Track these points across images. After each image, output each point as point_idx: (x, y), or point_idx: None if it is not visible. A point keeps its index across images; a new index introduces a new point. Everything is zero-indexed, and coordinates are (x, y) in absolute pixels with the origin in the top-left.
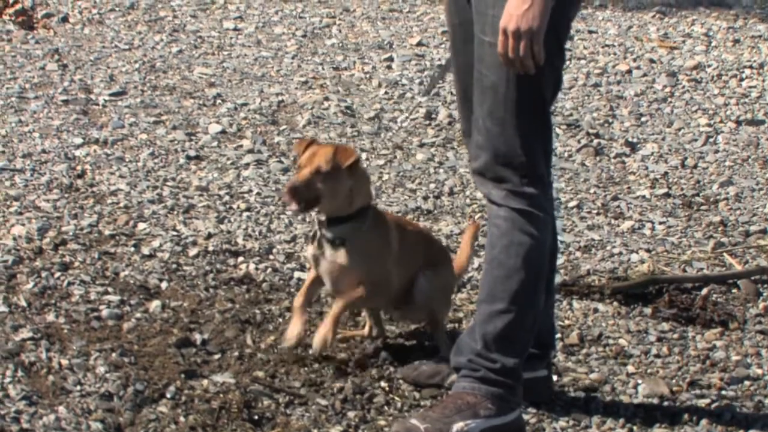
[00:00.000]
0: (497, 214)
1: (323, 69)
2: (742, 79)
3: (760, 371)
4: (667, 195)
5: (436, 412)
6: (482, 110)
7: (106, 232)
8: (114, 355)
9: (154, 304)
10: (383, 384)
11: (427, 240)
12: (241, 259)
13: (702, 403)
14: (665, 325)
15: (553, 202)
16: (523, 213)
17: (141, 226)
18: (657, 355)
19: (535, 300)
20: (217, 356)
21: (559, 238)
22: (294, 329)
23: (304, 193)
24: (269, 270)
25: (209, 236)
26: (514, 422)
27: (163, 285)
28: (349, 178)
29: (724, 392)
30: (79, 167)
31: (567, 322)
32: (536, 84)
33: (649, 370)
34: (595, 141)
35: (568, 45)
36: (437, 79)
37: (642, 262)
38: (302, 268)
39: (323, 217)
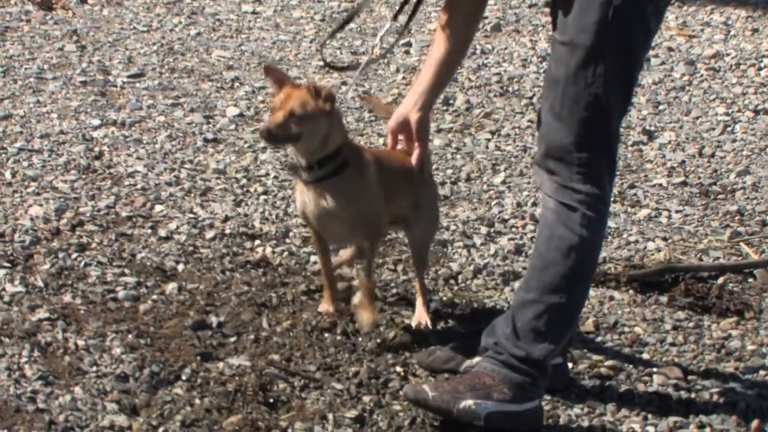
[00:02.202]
0: (546, 205)
1: (341, 53)
2: (760, 69)
3: None
4: (684, 183)
5: (450, 384)
6: (546, 103)
7: (123, 214)
8: (130, 336)
9: (171, 287)
10: (398, 369)
11: (411, 173)
12: (257, 242)
13: (717, 391)
14: (681, 314)
15: (609, 205)
16: (569, 208)
17: (158, 208)
18: (672, 344)
19: (571, 295)
20: (232, 339)
21: None
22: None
23: (279, 136)
24: (286, 253)
25: (226, 219)
26: (530, 412)
27: (180, 267)
28: (325, 119)
29: (739, 381)
30: (96, 149)
31: (583, 309)
32: (598, 85)
33: (664, 359)
34: None
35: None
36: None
37: (658, 250)
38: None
39: (303, 162)
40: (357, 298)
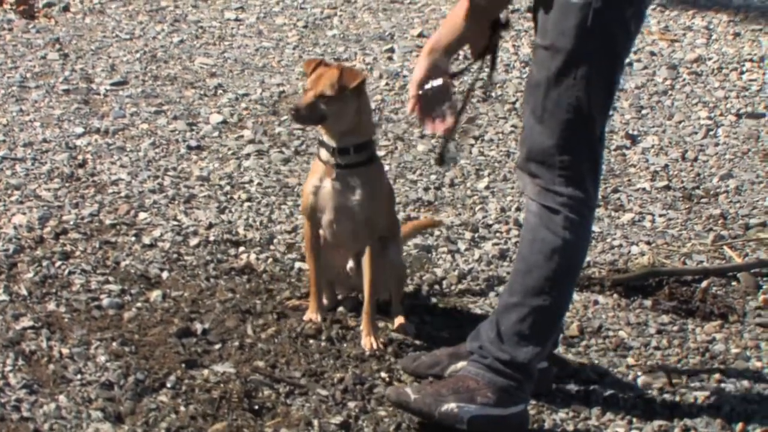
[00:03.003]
0: (529, 208)
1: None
2: (742, 72)
3: (759, 364)
4: (668, 187)
5: (433, 388)
6: (527, 107)
7: (107, 222)
8: (115, 344)
9: (155, 294)
10: (384, 375)
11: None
12: (242, 249)
13: (701, 395)
14: (665, 318)
15: (594, 209)
16: (552, 211)
17: (142, 215)
18: (657, 348)
19: (555, 298)
20: (217, 346)
21: None
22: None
23: (307, 117)
24: (270, 260)
25: (210, 226)
26: (515, 417)
27: (164, 275)
28: (355, 101)
29: (723, 385)
30: (80, 156)
31: (567, 313)
32: (579, 88)
33: (648, 362)
34: None
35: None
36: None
37: (642, 254)
38: (303, 259)
39: (335, 144)
40: (363, 322)
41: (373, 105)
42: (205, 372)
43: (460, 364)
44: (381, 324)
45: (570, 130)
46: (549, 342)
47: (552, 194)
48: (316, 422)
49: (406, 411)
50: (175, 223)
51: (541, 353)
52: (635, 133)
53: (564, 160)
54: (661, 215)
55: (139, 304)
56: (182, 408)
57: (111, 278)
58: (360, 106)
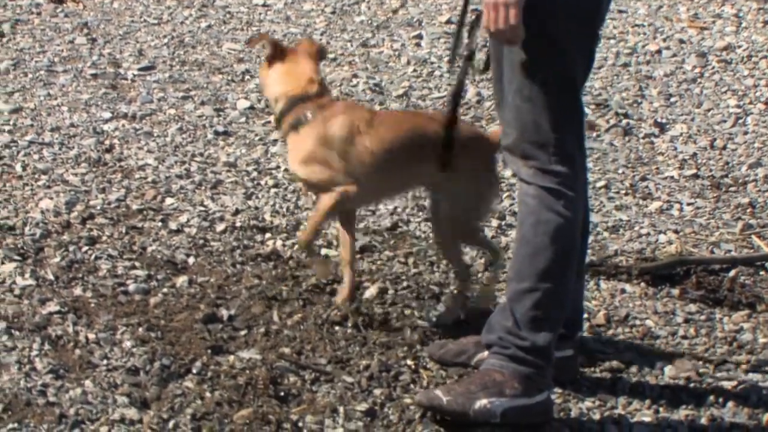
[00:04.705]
0: (526, 192)
1: (352, 46)
2: None
3: None
4: (696, 176)
5: (461, 386)
6: (511, 88)
7: (134, 207)
8: (141, 329)
9: (181, 280)
10: (409, 362)
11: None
12: (268, 235)
13: (728, 385)
14: (692, 307)
15: (586, 183)
16: (551, 191)
17: (168, 201)
18: (684, 337)
19: (563, 278)
20: (243, 332)
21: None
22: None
23: None
24: (296, 246)
25: (237, 212)
26: (541, 404)
27: (190, 260)
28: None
29: (750, 374)
30: (107, 141)
31: (594, 302)
32: (563, 63)
33: (675, 351)
34: (624, 121)
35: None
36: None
37: (670, 243)
38: (329, 245)
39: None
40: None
41: (401, 91)
42: (231, 358)
43: (487, 352)
44: (407, 311)
45: (559, 106)
46: (561, 323)
47: (550, 175)
48: (341, 409)
49: (440, 413)
50: (202, 208)
51: (555, 335)
52: (664, 121)
53: (558, 138)
54: (689, 204)
55: (165, 290)
56: (208, 394)
57: (137, 264)
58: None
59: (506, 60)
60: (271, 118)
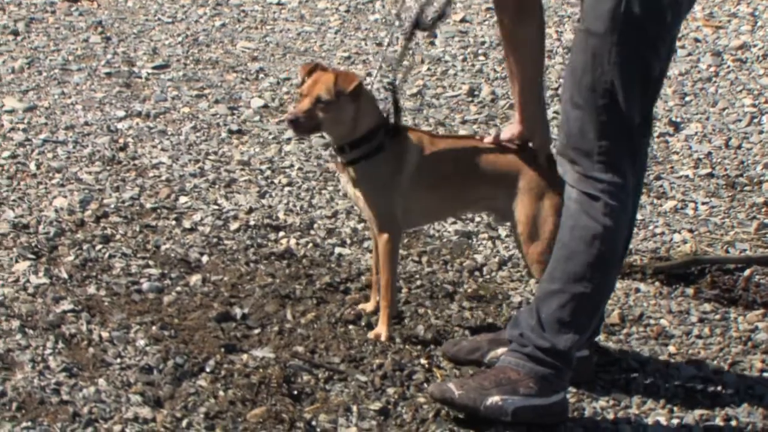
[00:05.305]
0: (569, 195)
1: (366, 44)
2: None
3: None
4: (711, 175)
5: (475, 381)
6: (566, 93)
7: (148, 206)
8: (154, 328)
9: (195, 278)
10: (423, 361)
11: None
12: (282, 233)
13: (743, 385)
14: (707, 306)
15: (638, 194)
16: (592, 197)
17: (182, 199)
18: (698, 336)
19: (597, 285)
20: (256, 331)
21: None
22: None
23: (305, 124)
24: (310, 245)
25: (250, 211)
26: (555, 405)
27: (204, 259)
28: (351, 105)
29: (765, 374)
30: (121, 140)
31: (609, 301)
32: (613, 74)
33: (690, 351)
34: None
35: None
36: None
37: (684, 242)
38: (343, 244)
39: (335, 144)
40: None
41: (414, 90)
42: (245, 357)
43: (500, 350)
44: (421, 310)
45: (606, 115)
46: (589, 330)
47: (592, 181)
48: (354, 408)
49: (451, 407)
50: (216, 207)
51: (580, 341)
52: (678, 120)
53: (602, 146)
54: (703, 203)
55: (178, 288)
56: (221, 393)
57: (151, 262)
58: (357, 110)
59: (567, 65)
60: (284, 116)
